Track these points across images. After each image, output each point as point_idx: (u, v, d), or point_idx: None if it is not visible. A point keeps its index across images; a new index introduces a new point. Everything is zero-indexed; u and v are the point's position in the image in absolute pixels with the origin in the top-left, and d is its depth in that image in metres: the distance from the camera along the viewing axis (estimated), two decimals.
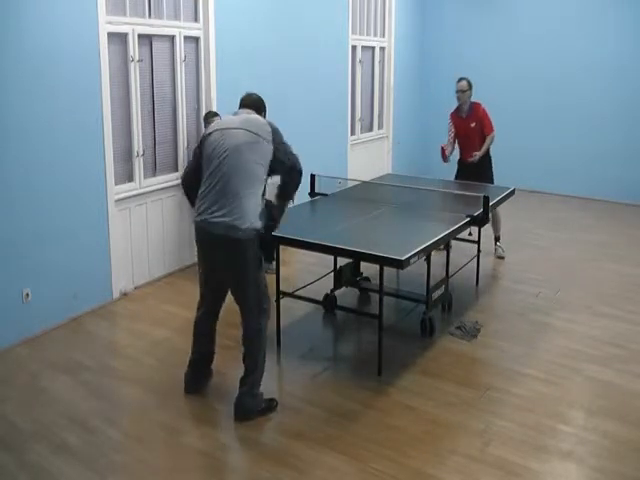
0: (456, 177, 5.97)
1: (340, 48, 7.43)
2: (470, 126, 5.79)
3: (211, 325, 3.57)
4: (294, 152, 3.39)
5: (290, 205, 3.62)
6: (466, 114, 5.83)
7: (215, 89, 5.60)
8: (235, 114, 3.43)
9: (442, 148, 5.81)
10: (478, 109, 5.80)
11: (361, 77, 8.09)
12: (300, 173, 3.40)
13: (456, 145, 5.97)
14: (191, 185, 3.41)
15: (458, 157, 6.00)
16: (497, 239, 6.06)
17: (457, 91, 5.78)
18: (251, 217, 3.19)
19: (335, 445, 3.11)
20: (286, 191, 3.42)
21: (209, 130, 3.38)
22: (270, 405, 3.41)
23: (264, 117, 3.47)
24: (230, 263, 3.27)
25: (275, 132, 3.31)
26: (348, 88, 7.69)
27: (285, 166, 3.34)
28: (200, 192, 3.30)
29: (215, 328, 3.59)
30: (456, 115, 5.92)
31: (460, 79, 5.80)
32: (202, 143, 3.35)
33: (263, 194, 3.33)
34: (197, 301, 3.57)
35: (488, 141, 5.77)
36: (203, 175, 3.30)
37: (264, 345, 3.40)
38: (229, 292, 3.43)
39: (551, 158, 8.44)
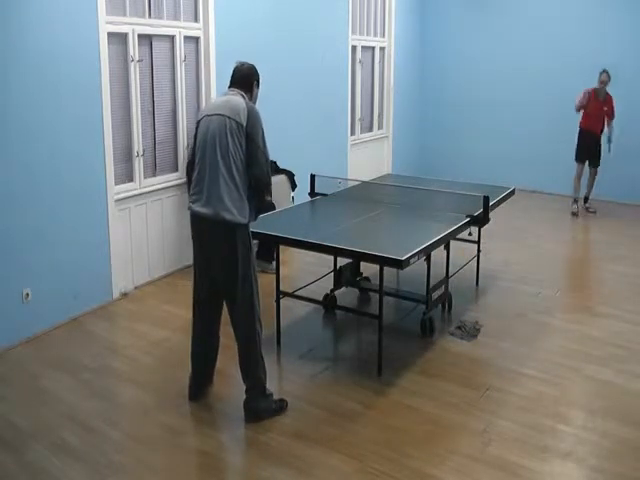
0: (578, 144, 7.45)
1: (340, 48, 7.43)
2: (603, 109, 7.42)
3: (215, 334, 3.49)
4: (267, 156, 3.20)
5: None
6: (603, 98, 7.39)
7: (215, 89, 5.59)
8: (224, 94, 3.34)
9: (587, 93, 7.22)
10: (611, 99, 7.42)
11: (361, 77, 8.08)
12: (266, 184, 3.20)
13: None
14: (190, 172, 3.36)
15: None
16: (586, 199, 7.60)
17: (601, 82, 7.28)
18: (233, 209, 3.09)
19: (335, 445, 3.11)
20: (255, 202, 3.21)
21: (200, 115, 3.34)
22: (281, 405, 3.39)
23: (255, 89, 3.35)
24: (219, 250, 3.19)
25: (251, 117, 3.14)
26: (348, 88, 7.69)
27: (253, 164, 3.14)
28: (193, 178, 3.26)
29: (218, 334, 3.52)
30: (595, 96, 7.34)
31: (605, 71, 7.27)
32: (196, 129, 3.32)
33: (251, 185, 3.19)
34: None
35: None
36: (195, 161, 3.26)
37: (260, 349, 3.32)
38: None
39: (551, 158, 8.43)
